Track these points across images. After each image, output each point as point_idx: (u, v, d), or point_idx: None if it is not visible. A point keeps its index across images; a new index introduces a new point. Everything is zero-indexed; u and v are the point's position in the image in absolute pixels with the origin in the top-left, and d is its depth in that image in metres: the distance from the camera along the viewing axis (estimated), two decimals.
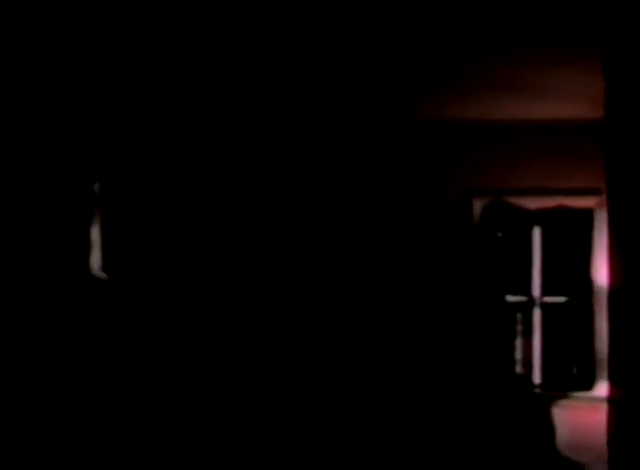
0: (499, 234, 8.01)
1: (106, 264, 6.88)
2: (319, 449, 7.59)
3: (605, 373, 7.20)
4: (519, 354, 7.92)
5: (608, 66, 4.64)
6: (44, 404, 5.86)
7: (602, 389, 7.30)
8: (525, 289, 7.91)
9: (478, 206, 7.91)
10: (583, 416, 7.41)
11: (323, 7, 5.10)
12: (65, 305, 6.28)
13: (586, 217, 7.76)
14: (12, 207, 5.82)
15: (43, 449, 5.78)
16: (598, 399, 7.19)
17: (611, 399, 4.64)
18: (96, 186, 6.85)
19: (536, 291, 7.90)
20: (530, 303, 7.90)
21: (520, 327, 7.94)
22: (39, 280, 6.03)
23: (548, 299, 7.89)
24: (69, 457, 6.01)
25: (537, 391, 7.81)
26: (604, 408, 4.81)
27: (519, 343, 7.93)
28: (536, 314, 7.89)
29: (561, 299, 7.87)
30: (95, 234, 6.80)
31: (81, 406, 6.24)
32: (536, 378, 7.84)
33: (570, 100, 7.02)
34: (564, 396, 7.67)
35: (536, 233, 7.94)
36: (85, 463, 6.14)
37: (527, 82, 6.61)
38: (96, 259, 6.79)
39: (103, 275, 6.86)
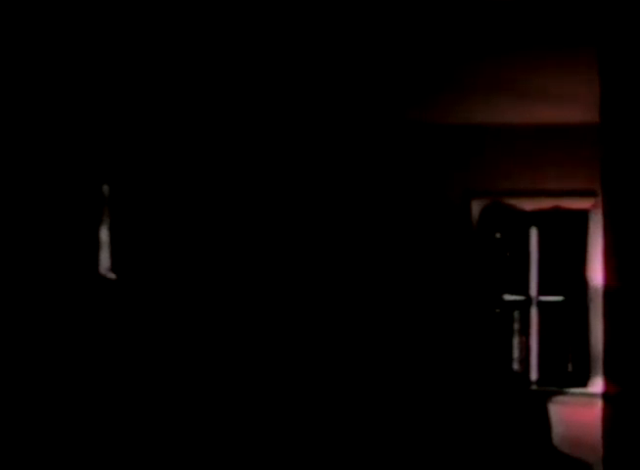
0: (497, 235, 8.05)
1: (115, 265, 6.90)
2: (319, 449, 7.61)
3: (599, 370, 7.26)
4: (516, 352, 7.96)
5: (604, 68, 4.65)
6: (50, 404, 5.87)
7: (597, 385, 7.38)
8: (523, 288, 7.96)
9: (476, 207, 7.96)
10: (578, 412, 7.47)
11: (329, 8, 5.19)
12: (73, 305, 6.27)
13: (582, 218, 7.81)
14: (22, 208, 5.83)
15: (45, 449, 5.79)
16: (593, 396, 7.26)
17: (605, 396, 4.63)
18: (105, 188, 6.86)
19: (533, 290, 7.95)
20: (528, 301, 7.95)
21: (517, 325, 7.98)
22: (49, 280, 6.03)
23: (545, 298, 7.93)
24: (72, 457, 6.02)
25: (534, 387, 7.85)
26: (598, 404, 4.81)
27: (516, 341, 7.97)
28: (533, 313, 7.94)
29: (557, 298, 7.91)
30: (104, 235, 6.80)
31: (87, 406, 6.25)
32: (533, 375, 7.90)
33: (567, 103, 7.07)
34: (560, 392, 7.72)
35: (533, 234, 7.99)
36: (88, 463, 6.16)
37: (526, 86, 6.66)
38: (105, 260, 6.81)
39: (112, 275, 6.86)
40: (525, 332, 7.94)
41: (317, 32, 5.61)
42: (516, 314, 7.99)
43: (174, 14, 5.30)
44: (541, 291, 7.94)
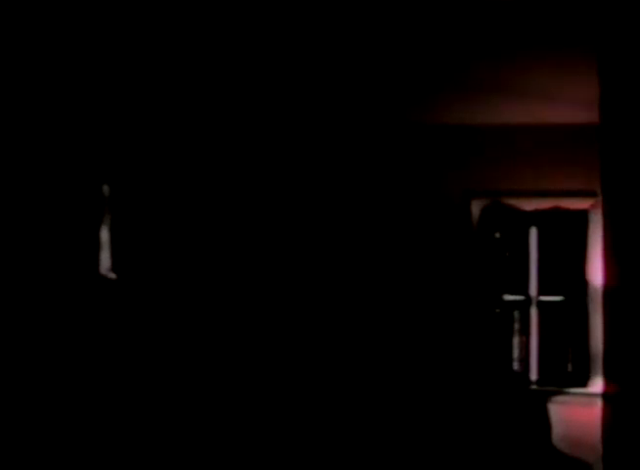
0: (497, 234, 8.07)
1: (115, 264, 6.91)
2: (319, 449, 7.61)
3: (599, 370, 7.28)
4: (516, 352, 7.98)
5: (603, 68, 4.66)
6: (50, 403, 5.90)
7: (597, 385, 7.41)
8: (523, 288, 7.96)
9: (476, 207, 7.97)
10: (578, 412, 7.48)
11: (330, 9, 5.20)
12: (74, 305, 6.30)
13: (581, 218, 7.82)
14: (24, 209, 5.85)
15: (44, 448, 5.79)
16: (593, 396, 7.29)
17: (605, 395, 4.65)
18: (105, 188, 6.89)
19: (533, 290, 7.96)
20: (527, 301, 7.96)
21: (517, 325, 7.99)
22: (49, 280, 6.05)
23: (544, 298, 7.94)
24: (72, 455, 6.03)
25: (534, 387, 7.86)
26: (598, 404, 4.84)
27: (516, 340, 7.98)
28: (533, 313, 7.94)
29: (557, 298, 7.92)
30: (104, 235, 6.83)
31: (87, 404, 6.26)
32: (533, 375, 7.90)
33: (566, 104, 7.07)
34: (559, 392, 7.72)
35: (533, 234, 8.00)
36: (88, 463, 6.16)
37: (526, 86, 6.67)
38: (105, 260, 6.83)
39: (112, 275, 6.88)
40: (524, 332, 7.95)
41: (318, 34, 5.62)
42: (516, 314, 8.00)
43: (175, 14, 5.31)
44: (541, 291, 7.95)
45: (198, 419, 7.33)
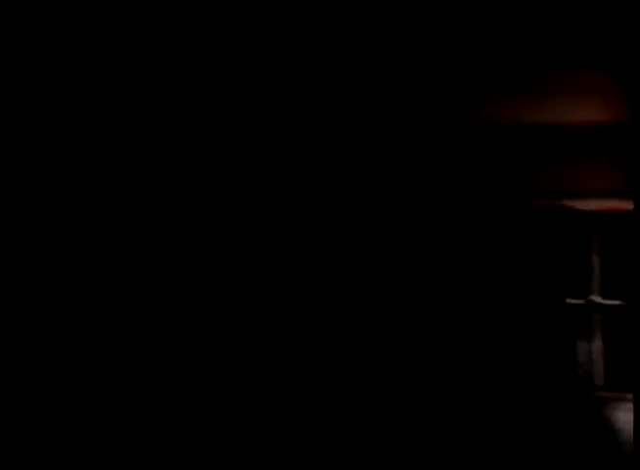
0: (557, 237, 7.99)
1: (115, 266, 6.97)
2: (319, 449, 7.60)
3: None
4: (580, 357, 7.91)
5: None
6: (49, 402, 5.93)
7: None
8: (585, 291, 7.87)
9: (536, 208, 7.90)
10: None
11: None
12: (75, 306, 6.36)
13: None
14: (26, 212, 5.91)
15: (44, 447, 5.83)
16: None
17: None
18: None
19: (596, 293, 7.86)
20: (590, 305, 7.87)
21: (580, 330, 7.92)
22: (51, 281, 6.12)
23: (608, 301, 7.84)
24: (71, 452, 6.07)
25: (599, 393, 7.79)
26: None
27: (580, 345, 7.92)
28: (596, 317, 7.86)
29: (620, 301, 7.83)
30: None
31: (85, 405, 6.29)
32: (598, 380, 7.83)
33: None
34: (626, 397, 7.65)
35: (595, 236, 7.91)
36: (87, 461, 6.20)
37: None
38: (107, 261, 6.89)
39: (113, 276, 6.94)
40: (588, 336, 7.87)
41: (337, 32, 5.63)
42: (579, 318, 7.90)
43: (175, 15, 5.32)
44: (604, 294, 7.85)
45: (196, 419, 7.35)
